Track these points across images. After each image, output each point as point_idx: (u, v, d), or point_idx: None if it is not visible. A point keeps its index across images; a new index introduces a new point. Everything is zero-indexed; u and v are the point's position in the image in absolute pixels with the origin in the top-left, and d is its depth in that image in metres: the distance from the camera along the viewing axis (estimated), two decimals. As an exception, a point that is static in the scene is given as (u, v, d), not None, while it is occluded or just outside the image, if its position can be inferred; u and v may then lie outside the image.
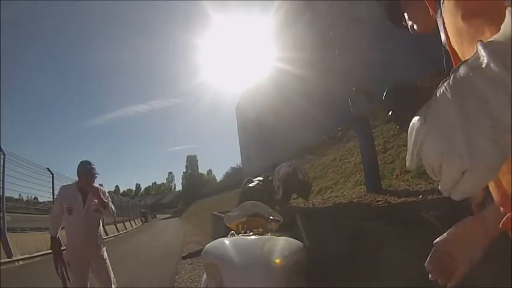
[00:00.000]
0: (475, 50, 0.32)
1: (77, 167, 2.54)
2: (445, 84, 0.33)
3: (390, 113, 0.42)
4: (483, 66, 0.30)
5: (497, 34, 0.32)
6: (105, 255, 2.51)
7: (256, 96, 6.55)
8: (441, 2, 0.49)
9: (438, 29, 0.56)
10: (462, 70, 0.32)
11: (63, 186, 2.63)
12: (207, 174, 62.73)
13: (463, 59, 0.46)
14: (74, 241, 2.40)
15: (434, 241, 0.67)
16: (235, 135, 9.03)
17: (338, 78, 3.38)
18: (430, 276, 0.65)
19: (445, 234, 0.65)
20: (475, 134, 0.29)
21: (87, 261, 2.41)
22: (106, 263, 2.48)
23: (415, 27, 0.68)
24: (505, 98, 0.28)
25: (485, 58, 0.30)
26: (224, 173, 36.66)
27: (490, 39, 0.31)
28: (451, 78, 0.32)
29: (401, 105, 0.41)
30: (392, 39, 2.53)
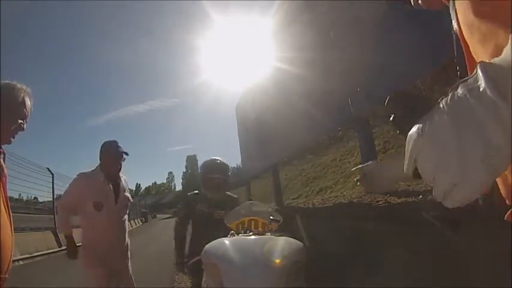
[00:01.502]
0: (475, 71, 0.33)
1: (100, 150, 2.02)
2: (444, 101, 0.35)
3: (391, 118, 0.43)
4: (480, 90, 0.31)
5: (498, 58, 0.32)
6: (130, 266, 2.10)
7: (256, 96, 6.54)
8: None
9: (444, 11, 0.54)
10: (461, 90, 0.33)
11: (82, 174, 1.98)
12: (207, 174, 62.51)
13: (473, 54, 0.47)
14: (100, 246, 1.89)
15: None
16: (235, 135, 9.01)
17: (338, 78, 3.37)
18: None
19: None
20: (467, 153, 0.32)
21: (111, 269, 1.94)
22: (130, 274, 2.08)
23: (419, 1, 0.64)
24: (497, 124, 0.30)
25: (483, 82, 0.31)
26: (224, 173, 36.51)
27: (490, 62, 0.32)
28: (450, 96, 0.34)
29: (401, 111, 0.42)
30: (392, 39, 2.53)
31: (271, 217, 1.43)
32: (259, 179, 9.50)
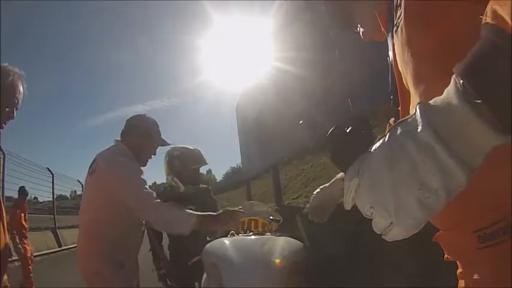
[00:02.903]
0: (414, 110, 0.32)
1: (134, 122, 1.51)
2: (382, 140, 0.35)
3: (331, 156, 0.42)
4: (418, 131, 0.31)
5: (439, 99, 0.31)
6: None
7: (256, 96, 6.54)
8: (394, 28, 0.49)
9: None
10: (398, 130, 0.33)
11: (126, 156, 1.42)
12: (207, 174, 62.51)
13: (407, 87, 0.48)
14: (132, 256, 1.57)
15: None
16: (235, 135, 9.01)
17: (338, 78, 3.38)
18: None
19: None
20: (402, 193, 0.32)
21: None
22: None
23: (361, 35, 0.64)
24: (433, 166, 0.30)
25: (420, 125, 0.31)
26: (224, 173, 36.62)
27: (429, 103, 0.32)
28: (387, 137, 0.34)
29: (340, 149, 0.41)
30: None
31: (271, 217, 1.43)
32: (259, 179, 9.49)
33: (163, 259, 1.83)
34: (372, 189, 0.35)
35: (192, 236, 1.60)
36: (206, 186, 2.11)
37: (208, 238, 1.81)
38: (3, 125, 1.02)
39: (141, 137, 1.48)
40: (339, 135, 0.42)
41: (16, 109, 1.05)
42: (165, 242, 1.98)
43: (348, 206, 0.39)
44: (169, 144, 1.63)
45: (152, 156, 1.56)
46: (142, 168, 1.48)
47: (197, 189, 1.90)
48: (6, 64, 1.05)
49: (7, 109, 1.01)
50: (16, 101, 1.05)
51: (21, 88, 1.06)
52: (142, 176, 1.39)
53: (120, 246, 1.45)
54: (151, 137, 1.51)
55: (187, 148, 1.91)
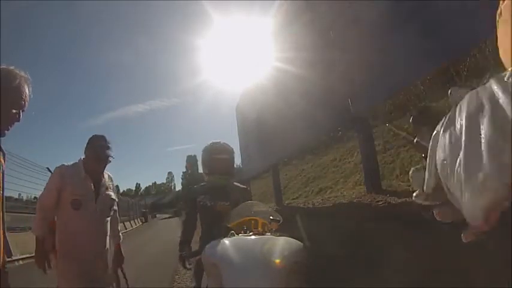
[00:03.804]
0: None
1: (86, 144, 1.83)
2: (458, 106, 0.27)
3: (415, 140, 0.39)
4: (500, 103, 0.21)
5: None
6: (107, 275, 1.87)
7: (256, 96, 6.54)
8: None
9: None
10: (486, 90, 0.23)
11: (60, 167, 1.74)
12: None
13: None
14: (74, 249, 1.69)
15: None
16: (235, 135, 9.01)
17: (338, 78, 3.38)
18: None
19: None
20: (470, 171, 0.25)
21: (86, 278, 1.69)
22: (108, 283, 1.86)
23: None
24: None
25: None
26: (224, 173, 36.49)
27: None
28: (468, 97, 0.26)
29: (426, 130, 0.37)
30: (392, 39, 2.53)
31: (271, 217, 1.43)
32: (259, 179, 9.49)
33: (185, 244, 1.92)
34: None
35: (212, 228, 1.67)
36: (243, 187, 2.13)
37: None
38: (10, 127, 1.04)
39: (88, 153, 1.81)
40: (428, 112, 0.35)
41: (23, 111, 1.07)
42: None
43: (430, 184, 0.33)
44: (113, 158, 1.85)
45: (103, 168, 1.83)
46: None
47: (228, 186, 1.95)
48: (12, 67, 1.07)
49: (13, 111, 1.03)
50: (23, 103, 1.07)
51: (27, 91, 1.08)
52: (51, 185, 1.72)
53: (67, 252, 1.70)
54: (95, 154, 1.79)
55: (217, 141, 2.04)
